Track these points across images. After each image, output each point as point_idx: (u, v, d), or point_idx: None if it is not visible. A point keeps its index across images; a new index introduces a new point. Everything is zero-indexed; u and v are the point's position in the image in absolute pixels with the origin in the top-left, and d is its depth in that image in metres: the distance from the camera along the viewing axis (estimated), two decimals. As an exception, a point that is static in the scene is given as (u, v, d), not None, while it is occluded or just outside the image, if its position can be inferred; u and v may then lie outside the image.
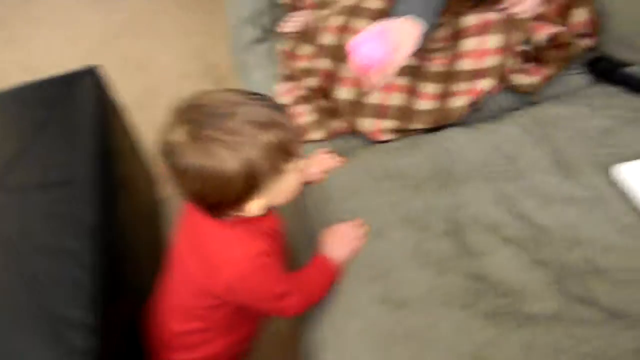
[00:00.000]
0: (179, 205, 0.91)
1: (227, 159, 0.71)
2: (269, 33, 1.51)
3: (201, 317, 0.92)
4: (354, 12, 1.18)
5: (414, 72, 1.15)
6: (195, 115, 0.73)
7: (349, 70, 1.14)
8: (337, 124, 1.18)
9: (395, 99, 1.13)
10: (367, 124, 1.14)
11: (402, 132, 1.13)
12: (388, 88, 1.13)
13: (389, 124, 1.13)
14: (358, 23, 1.16)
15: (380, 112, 1.13)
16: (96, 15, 2.48)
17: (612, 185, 0.93)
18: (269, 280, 0.84)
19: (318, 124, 1.18)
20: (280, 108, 0.78)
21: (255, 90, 0.81)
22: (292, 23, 1.42)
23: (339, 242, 0.94)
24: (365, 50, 0.95)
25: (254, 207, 0.79)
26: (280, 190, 0.80)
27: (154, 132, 0.79)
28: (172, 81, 2.10)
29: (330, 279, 0.91)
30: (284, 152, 0.75)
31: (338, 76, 1.16)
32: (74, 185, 1.04)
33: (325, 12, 1.27)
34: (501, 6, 1.22)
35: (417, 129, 1.13)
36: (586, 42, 1.18)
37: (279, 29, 1.46)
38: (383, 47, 0.95)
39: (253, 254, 0.81)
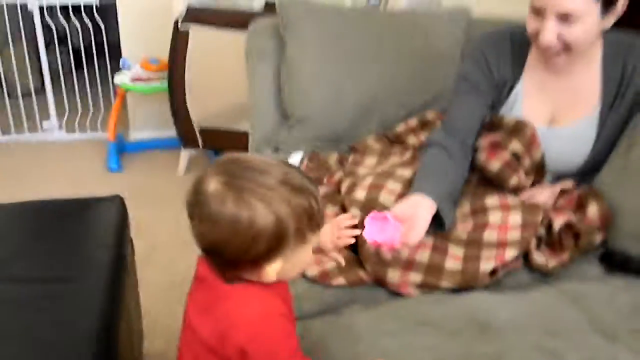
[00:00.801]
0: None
1: (260, 211, 0.71)
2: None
3: None
4: (385, 175, 1.26)
5: (438, 233, 1.18)
6: (231, 167, 0.75)
7: None
8: (361, 273, 1.16)
9: (423, 255, 1.13)
10: (394, 276, 1.12)
11: (429, 288, 1.11)
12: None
13: (416, 277, 1.11)
14: (390, 184, 1.23)
15: (407, 265, 1.12)
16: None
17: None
18: (287, 347, 0.76)
19: (340, 271, 1.16)
20: (310, 180, 0.79)
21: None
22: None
23: None
24: (371, 232, 1.03)
25: (272, 271, 0.76)
26: (298, 260, 0.78)
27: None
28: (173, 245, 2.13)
29: None
30: (311, 219, 0.75)
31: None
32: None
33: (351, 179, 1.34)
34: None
35: (443, 287, 1.11)
36: (599, 236, 1.24)
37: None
38: (390, 231, 1.03)
39: (273, 313, 0.76)
